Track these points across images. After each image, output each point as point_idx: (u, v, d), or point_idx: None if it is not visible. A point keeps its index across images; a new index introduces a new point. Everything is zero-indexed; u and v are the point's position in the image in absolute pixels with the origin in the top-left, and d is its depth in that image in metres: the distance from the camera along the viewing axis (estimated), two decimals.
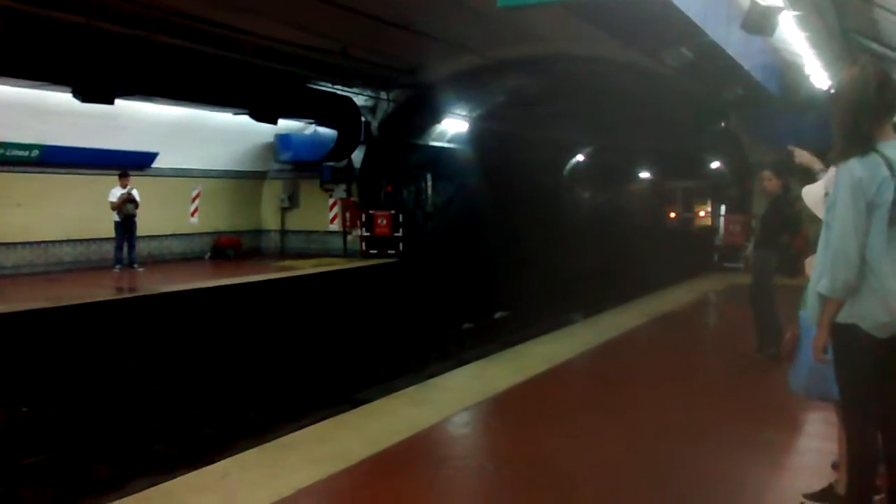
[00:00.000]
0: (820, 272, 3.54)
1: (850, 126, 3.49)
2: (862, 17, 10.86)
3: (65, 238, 15.91)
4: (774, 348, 8.38)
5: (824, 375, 3.76)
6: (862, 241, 3.35)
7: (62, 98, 13.19)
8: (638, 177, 41.94)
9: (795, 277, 9.05)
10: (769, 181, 8.58)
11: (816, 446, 5.86)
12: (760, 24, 9.24)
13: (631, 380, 8.21)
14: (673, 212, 41.02)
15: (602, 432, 6.17)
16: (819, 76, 15.01)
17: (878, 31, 11.05)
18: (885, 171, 3.36)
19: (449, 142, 22.58)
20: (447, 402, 6.75)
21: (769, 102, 17.72)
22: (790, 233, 8.39)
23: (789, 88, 17.32)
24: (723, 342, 10.25)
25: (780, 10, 9.21)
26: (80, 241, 16.21)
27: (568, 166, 33.58)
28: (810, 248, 8.76)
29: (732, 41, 12.04)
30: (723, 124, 19.86)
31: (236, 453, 5.56)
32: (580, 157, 33.67)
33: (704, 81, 14.98)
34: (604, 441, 5.92)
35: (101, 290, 12.94)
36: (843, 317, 3.45)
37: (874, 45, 12.17)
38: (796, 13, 10.35)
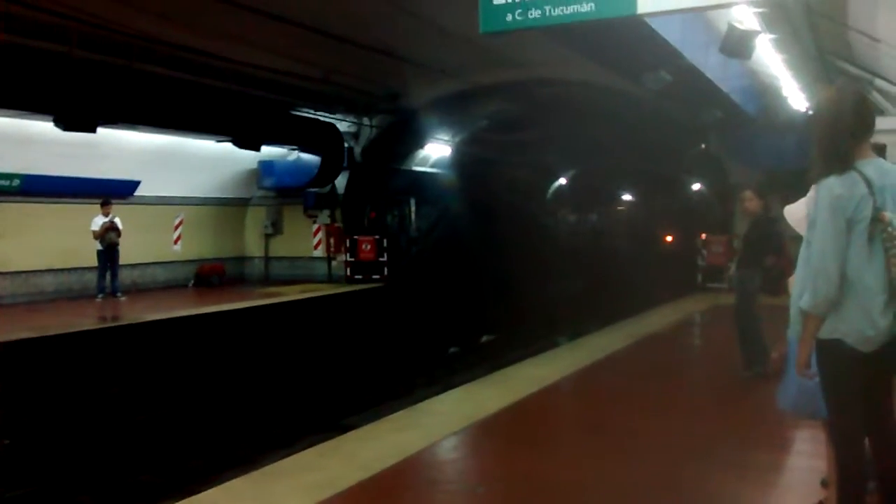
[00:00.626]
0: (801, 288, 3.59)
1: (829, 145, 3.56)
2: (837, 40, 11.05)
3: (47, 268, 15.78)
4: (760, 367, 8.43)
5: (813, 393, 3.78)
6: (842, 257, 3.41)
7: (44, 127, 13.14)
8: (620, 199, 42.20)
9: (779, 296, 9.14)
10: (750, 201, 8.66)
11: (805, 464, 5.87)
12: (738, 47, 9.39)
13: (619, 401, 8.21)
14: (655, 233, 41.26)
15: (591, 454, 6.16)
16: (797, 98, 15.24)
17: (853, 53, 11.26)
18: (863, 189, 3.43)
19: (432, 167, 22.67)
20: (436, 427, 6.73)
21: (748, 124, 17.95)
22: (773, 253, 8.44)
23: (768, 110, 17.57)
24: (709, 362, 10.29)
25: (757, 33, 9.36)
26: (63, 270, 16.08)
27: (551, 190, 33.76)
28: (793, 267, 8.85)
29: (711, 64, 12.23)
30: (703, 146, 20.07)
31: (224, 482, 5.51)
32: (563, 181, 33.87)
33: (684, 104, 15.16)
34: (593, 463, 5.91)
35: (84, 320, 12.83)
36: (827, 332, 3.49)
37: (849, 67, 12.38)
38: (773, 36, 10.53)
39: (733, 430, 6.75)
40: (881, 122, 10.01)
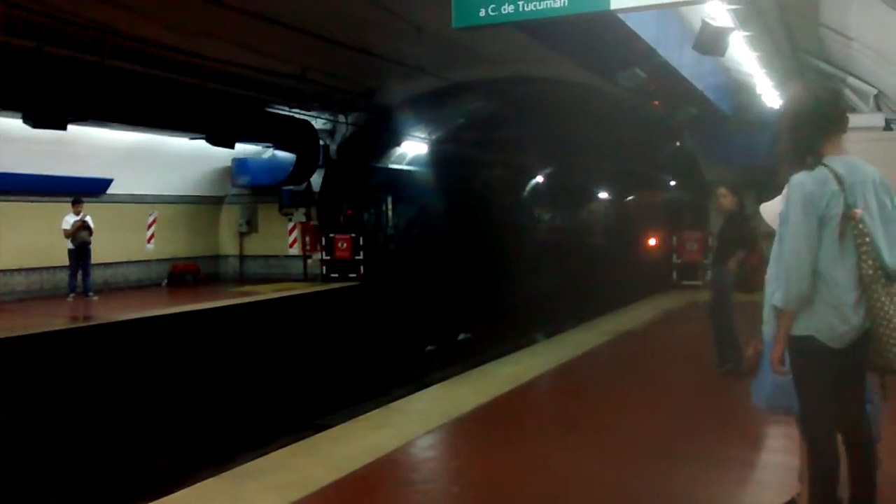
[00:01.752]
0: (774, 286, 3.58)
1: (799, 141, 3.56)
2: (810, 38, 11.13)
3: (17, 267, 15.55)
4: (734, 363, 8.46)
5: (787, 389, 3.78)
6: (814, 254, 3.41)
7: (13, 124, 12.94)
8: (596, 197, 42.36)
9: (752, 293, 9.19)
10: (724, 197, 8.69)
11: (778, 461, 5.89)
12: (712, 44, 9.41)
13: (594, 398, 8.21)
14: (632, 230, 41.50)
15: (567, 451, 6.15)
16: (770, 95, 15.33)
17: (826, 50, 11.34)
18: (834, 186, 3.43)
19: (409, 164, 22.61)
20: (411, 425, 6.68)
21: (723, 122, 18.05)
22: (745, 249, 8.48)
23: (742, 108, 17.67)
24: (683, 358, 10.31)
25: (730, 30, 9.38)
26: (33, 269, 15.86)
27: (528, 187, 33.80)
28: (765, 264, 8.90)
29: (685, 62, 12.26)
30: (678, 143, 20.17)
31: (196, 483, 5.43)
32: (540, 178, 33.92)
33: (659, 102, 15.22)
34: (569, 460, 5.90)
35: (54, 320, 12.64)
36: (800, 329, 3.49)
37: (822, 65, 12.48)
38: (746, 33, 10.57)
39: (707, 426, 6.77)
40: (855, 120, 10.10)
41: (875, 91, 11.78)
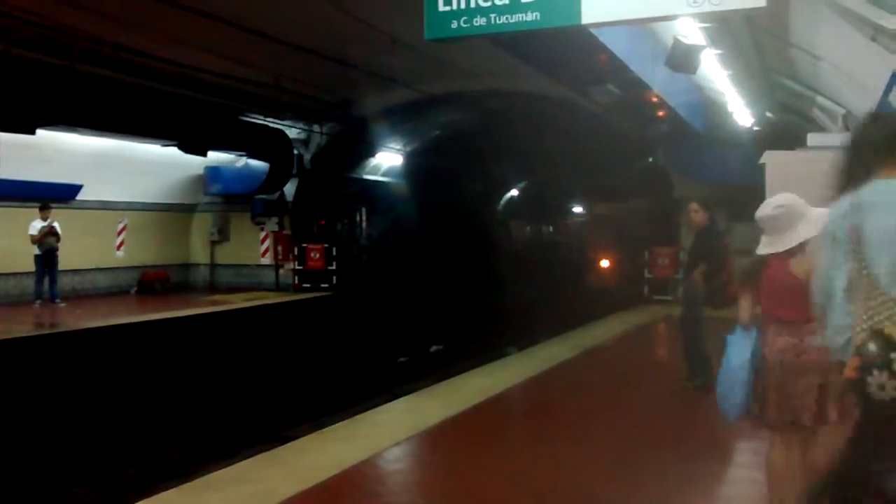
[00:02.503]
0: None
1: (855, 164, 3.34)
2: (780, 57, 11.27)
3: None
4: (703, 378, 8.50)
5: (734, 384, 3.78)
6: (836, 283, 3.15)
7: None
8: (569, 211, 42.50)
9: (723, 308, 9.25)
10: (696, 213, 8.76)
11: (746, 476, 5.92)
12: (684, 61, 9.51)
13: (563, 411, 8.20)
14: (602, 244, 41.59)
15: (535, 465, 6.12)
16: (742, 113, 15.51)
17: (796, 70, 11.49)
18: (845, 205, 3.18)
19: (384, 175, 22.57)
20: (378, 438, 6.63)
21: (695, 139, 18.22)
22: (708, 262, 8.53)
23: (714, 125, 17.86)
24: (653, 373, 10.35)
25: (702, 48, 9.49)
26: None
27: (502, 200, 33.87)
28: (734, 280, 8.96)
29: (658, 79, 12.37)
30: (651, 159, 20.33)
31: (158, 493, 5.34)
32: (514, 192, 34.01)
33: (631, 118, 15.34)
34: (536, 473, 5.87)
35: (19, 326, 12.43)
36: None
37: (792, 84, 12.64)
38: (718, 52, 10.69)
39: (676, 441, 6.78)
40: (822, 139, 10.23)
41: (843, 111, 11.95)
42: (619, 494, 5.38)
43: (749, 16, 8.75)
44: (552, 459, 6.26)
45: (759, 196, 9.68)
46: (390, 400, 8.99)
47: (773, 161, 9.61)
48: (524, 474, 5.86)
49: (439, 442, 6.80)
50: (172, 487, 5.50)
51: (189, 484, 5.51)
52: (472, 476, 5.78)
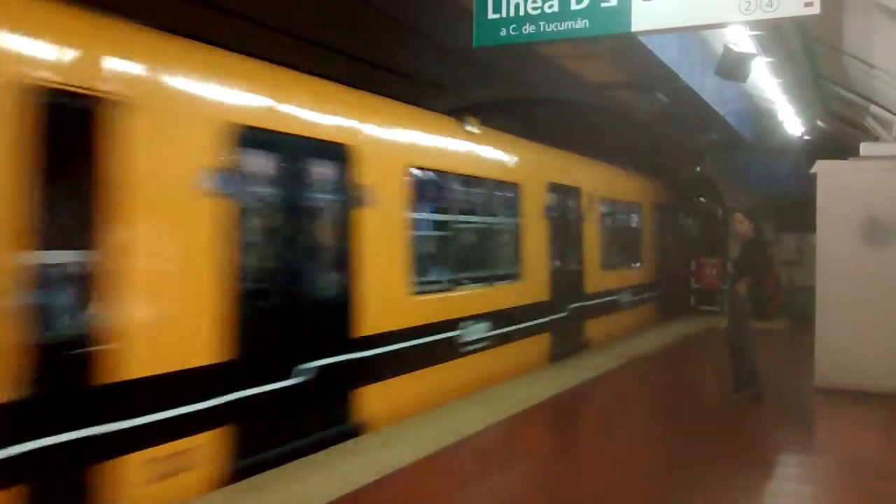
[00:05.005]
0: None
1: None
2: (833, 65, 11.07)
3: None
4: (750, 390, 8.39)
5: None
6: None
7: None
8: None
9: (768, 320, 9.15)
10: (741, 223, 8.68)
11: (792, 489, 5.83)
12: (734, 70, 9.40)
13: (606, 422, 8.15)
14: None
15: (577, 475, 6.09)
16: (792, 123, 15.27)
17: (848, 78, 11.27)
18: None
19: None
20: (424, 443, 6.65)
21: (744, 148, 17.98)
22: (752, 274, 8.43)
23: (763, 134, 17.61)
24: (699, 384, 10.22)
25: (753, 56, 9.37)
26: None
27: None
28: (781, 292, 8.81)
29: (707, 87, 12.25)
30: (698, 169, 20.11)
31: None
32: None
33: (680, 127, 15.18)
34: (580, 484, 5.84)
35: None
36: None
37: (845, 93, 12.41)
38: (769, 60, 10.55)
39: (722, 453, 6.69)
40: (876, 149, 10.04)
41: None
42: None
43: (801, 23, 8.63)
44: (596, 472, 6.23)
45: (809, 207, 9.58)
46: None
47: (825, 171, 9.45)
48: (568, 485, 5.84)
49: (475, 448, 6.79)
50: None
51: None
52: (511, 488, 5.77)
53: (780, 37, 9.84)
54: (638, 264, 15.91)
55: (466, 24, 6.41)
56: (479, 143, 9.55)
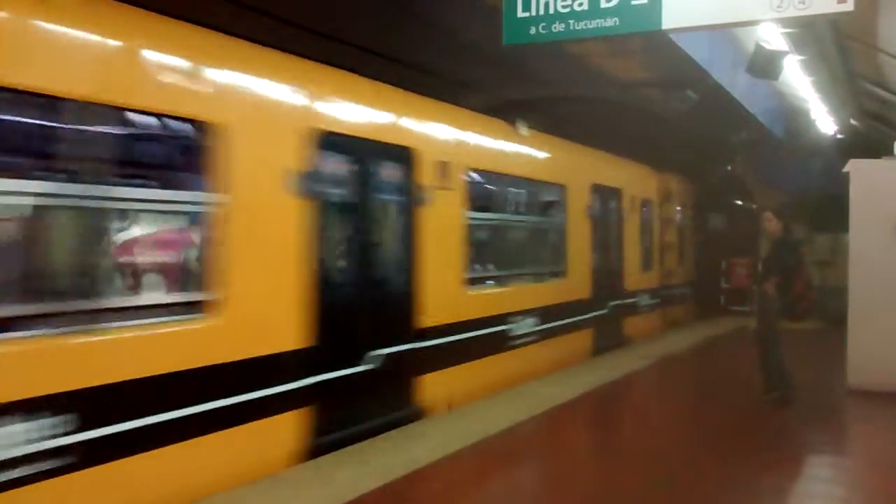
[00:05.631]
0: None
1: None
2: (867, 63, 10.95)
3: None
4: (780, 391, 8.30)
5: None
6: None
7: None
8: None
9: (799, 321, 9.04)
10: (769, 222, 8.59)
11: (823, 491, 5.78)
12: (766, 67, 9.32)
13: (632, 422, 8.12)
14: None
15: (602, 473, 6.09)
16: (824, 121, 15.10)
17: (882, 75, 11.14)
18: None
19: None
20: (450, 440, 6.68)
21: (775, 146, 17.81)
22: (778, 275, 8.34)
23: (795, 133, 17.43)
24: (727, 385, 10.13)
25: (785, 54, 9.29)
26: None
27: None
28: (812, 291, 8.72)
29: (738, 85, 12.16)
30: (729, 167, 19.93)
31: None
32: None
33: (711, 125, 15.07)
34: (600, 485, 5.83)
35: None
36: None
37: (879, 91, 12.26)
38: (801, 58, 10.44)
39: (750, 454, 6.63)
40: None
41: None
42: None
43: (834, 20, 8.54)
44: (617, 472, 6.21)
45: (842, 206, 9.46)
46: None
47: (859, 170, 9.33)
48: (585, 485, 5.84)
49: (497, 448, 6.80)
50: None
51: None
52: (531, 487, 5.78)
53: (812, 34, 9.74)
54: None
55: (495, 23, 6.43)
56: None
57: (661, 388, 10.09)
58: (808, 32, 9.56)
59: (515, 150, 9.79)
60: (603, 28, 5.96)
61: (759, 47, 9.18)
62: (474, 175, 8.88)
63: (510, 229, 10.23)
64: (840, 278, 10.18)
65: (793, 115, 16.45)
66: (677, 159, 16.74)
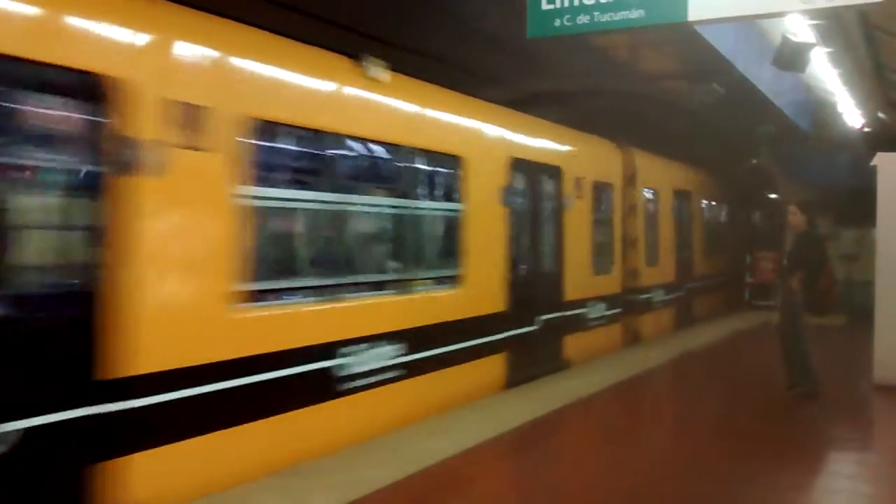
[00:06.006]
0: None
1: None
2: (894, 54, 10.81)
3: None
4: (805, 387, 8.24)
5: None
6: None
7: None
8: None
9: (823, 316, 8.96)
10: (794, 215, 8.53)
11: (849, 487, 5.74)
12: (792, 60, 9.23)
13: (656, 416, 8.09)
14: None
15: (621, 469, 6.08)
16: (852, 114, 14.92)
17: None
18: None
19: None
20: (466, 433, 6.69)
21: (802, 140, 17.64)
22: (803, 269, 8.26)
23: (822, 126, 17.24)
24: (752, 380, 10.07)
25: (812, 46, 9.19)
26: None
27: None
28: (837, 286, 8.63)
29: (764, 77, 12.05)
30: (755, 161, 19.76)
31: None
32: None
33: (736, 117, 14.95)
34: (622, 479, 5.83)
35: None
36: None
37: None
38: (828, 50, 10.32)
39: (775, 451, 6.59)
40: None
41: None
42: (707, 500, 5.30)
43: (862, 11, 8.43)
44: (640, 465, 6.20)
45: (869, 201, 9.36)
46: None
47: (886, 163, 9.22)
48: (608, 479, 5.84)
49: (519, 443, 6.81)
50: None
51: None
52: (555, 477, 5.79)
53: (839, 25, 9.63)
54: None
55: (519, 15, 6.41)
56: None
57: (688, 382, 10.04)
58: (834, 24, 9.45)
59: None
60: (628, 20, 5.93)
61: (785, 39, 9.09)
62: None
63: (340, 216, 6.58)
64: (867, 273, 10.08)
65: (819, 108, 16.28)
66: (706, 152, 16.65)
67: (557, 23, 6.15)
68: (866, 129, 16.37)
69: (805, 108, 16.21)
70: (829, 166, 17.55)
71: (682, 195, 14.95)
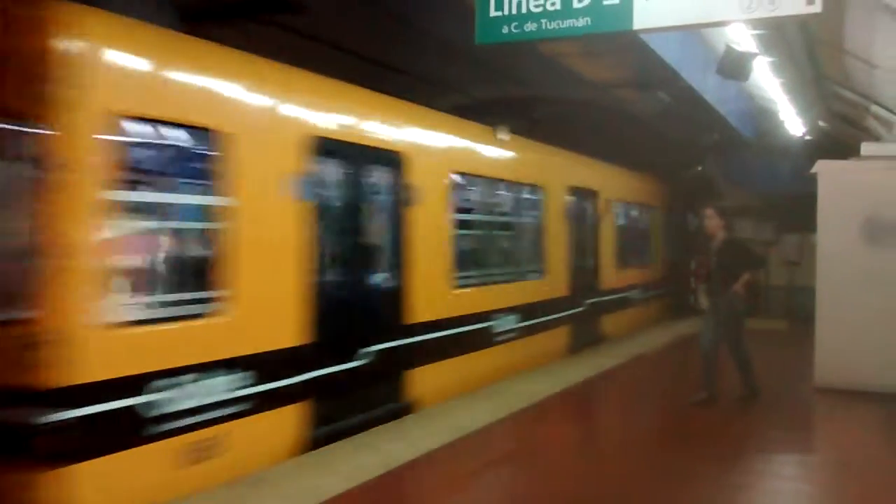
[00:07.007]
0: None
1: None
2: (834, 65, 11.07)
3: None
4: (709, 392, 8.29)
5: None
6: None
7: None
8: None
9: (754, 318, 9.13)
10: (710, 219, 8.54)
11: (789, 488, 5.84)
12: (735, 69, 9.39)
13: (604, 420, 8.14)
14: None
15: (571, 471, 6.10)
16: (793, 122, 15.26)
17: (850, 78, 11.27)
18: None
19: None
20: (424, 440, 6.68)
21: (745, 147, 17.96)
22: (753, 274, 8.40)
23: (764, 134, 17.58)
24: (696, 385, 10.22)
25: (754, 55, 9.36)
26: None
27: None
28: (760, 290, 8.76)
29: (708, 86, 12.24)
30: (699, 168, 20.08)
31: None
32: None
33: (681, 126, 15.16)
34: (573, 481, 5.85)
35: None
36: None
37: (846, 93, 12.41)
38: (771, 59, 10.54)
39: (715, 452, 6.69)
40: (876, 148, 10.04)
41: None
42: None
43: (803, 22, 8.63)
44: (590, 466, 6.23)
45: (810, 206, 9.57)
46: None
47: (826, 170, 9.45)
48: (561, 482, 5.85)
49: (473, 449, 6.81)
50: None
51: None
52: (508, 482, 5.77)
53: (781, 36, 9.84)
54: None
55: (468, 22, 6.41)
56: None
57: (636, 385, 10.14)
58: (777, 34, 9.66)
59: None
60: (575, 28, 5.97)
61: (728, 49, 9.25)
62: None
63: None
64: (809, 278, 10.31)
65: (762, 116, 16.58)
66: (653, 161, 16.85)
67: (505, 30, 6.16)
68: (808, 137, 16.75)
69: (748, 116, 16.51)
70: (773, 173, 17.90)
71: (583, 194, 12.93)
